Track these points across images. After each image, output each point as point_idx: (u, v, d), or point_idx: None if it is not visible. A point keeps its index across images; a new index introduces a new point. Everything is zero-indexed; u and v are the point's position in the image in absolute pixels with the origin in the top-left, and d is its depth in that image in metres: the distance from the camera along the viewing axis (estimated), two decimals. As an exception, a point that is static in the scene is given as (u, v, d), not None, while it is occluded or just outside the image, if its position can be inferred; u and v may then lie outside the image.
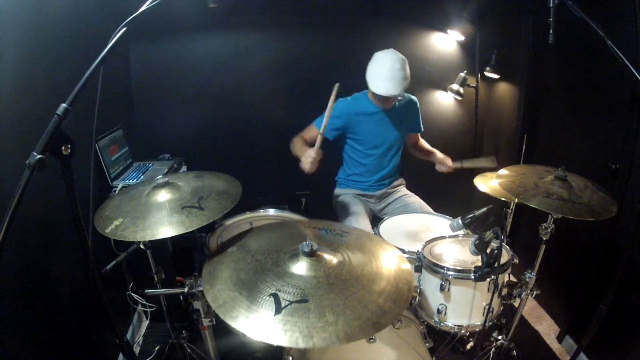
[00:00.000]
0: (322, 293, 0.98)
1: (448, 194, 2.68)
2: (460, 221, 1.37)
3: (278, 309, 0.92)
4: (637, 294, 1.63)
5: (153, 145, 2.59)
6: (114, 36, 0.91)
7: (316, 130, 1.99)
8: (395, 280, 1.09)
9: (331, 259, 1.11)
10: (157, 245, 1.50)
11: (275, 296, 0.96)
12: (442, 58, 2.74)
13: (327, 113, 1.73)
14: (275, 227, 1.38)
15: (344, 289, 1.01)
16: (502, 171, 1.64)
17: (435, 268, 1.41)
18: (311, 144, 1.84)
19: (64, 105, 0.80)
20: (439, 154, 2.17)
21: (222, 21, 2.53)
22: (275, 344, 0.87)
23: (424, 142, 2.30)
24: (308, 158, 1.75)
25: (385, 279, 1.09)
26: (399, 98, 2.07)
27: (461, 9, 2.51)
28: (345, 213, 2.08)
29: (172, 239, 1.83)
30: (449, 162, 2.12)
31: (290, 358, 1.27)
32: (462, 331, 1.44)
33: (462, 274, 1.37)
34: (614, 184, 1.72)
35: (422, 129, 2.25)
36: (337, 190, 2.26)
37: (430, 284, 1.45)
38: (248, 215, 1.89)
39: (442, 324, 1.44)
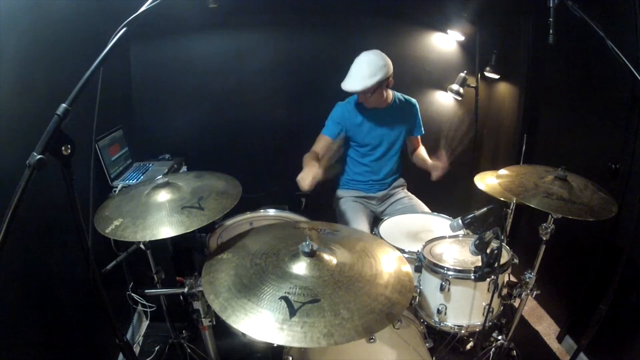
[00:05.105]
0: (331, 291, 0.99)
1: (448, 194, 2.68)
2: (460, 221, 1.37)
3: (292, 312, 0.92)
4: (637, 294, 1.63)
5: (153, 145, 2.59)
6: (114, 36, 0.91)
7: (325, 139, 2.00)
8: (395, 272, 1.12)
9: (331, 257, 1.11)
10: (157, 245, 1.50)
11: (286, 299, 0.96)
12: (442, 58, 2.74)
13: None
14: (267, 230, 1.37)
15: (350, 285, 1.03)
16: (502, 171, 1.64)
17: (435, 268, 1.41)
18: (323, 155, 1.86)
19: (64, 105, 0.80)
20: (430, 161, 2.08)
21: (222, 21, 2.53)
22: (297, 346, 0.86)
23: (423, 152, 2.24)
24: (309, 175, 1.67)
25: (387, 272, 1.11)
26: (394, 99, 2.08)
27: (461, 9, 2.51)
28: (345, 216, 2.08)
29: (172, 239, 1.83)
30: (440, 162, 2.01)
31: (290, 358, 1.27)
32: (462, 331, 1.44)
33: (462, 274, 1.37)
34: (614, 184, 1.72)
35: (423, 132, 2.24)
36: (339, 192, 2.26)
37: (430, 284, 1.45)
38: (248, 215, 1.89)
39: (442, 324, 1.44)
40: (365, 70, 1.86)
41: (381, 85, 1.90)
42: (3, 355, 1.18)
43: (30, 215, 1.32)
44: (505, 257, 1.43)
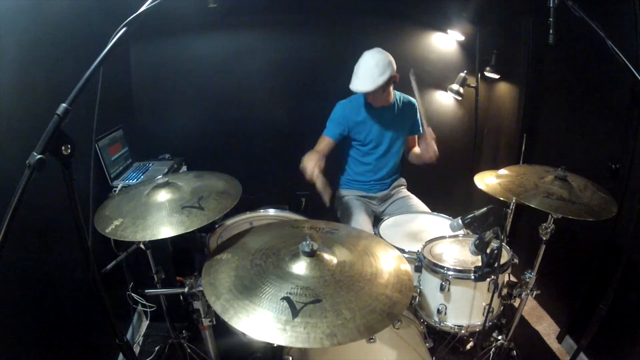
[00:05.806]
0: (333, 291, 0.99)
1: (448, 194, 2.68)
2: (460, 221, 1.37)
3: (295, 312, 0.92)
4: (637, 294, 1.63)
5: (153, 145, 2.59)
6: (114, 36, 0.90)
7: (327, 140, 2.00)
8: (395, 271, 1.12)
9: (331, 257, 1.11)
10: (157, 245, 1.50)
11: (288, 299, 0.95)
12: (442, 58, 2.74)
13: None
14: (266, 230, 1.36)
15: (351, 285, 1.03)
16: (502, 171, 1.64)
17: (435, 268, 1.41)
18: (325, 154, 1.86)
19: (64, 105, 0.80)
20: (422, 146, 2.12)
21: (222, 21, 2.53)
22: (301, 347, 0.86)
23: (417, 149, 2.27)
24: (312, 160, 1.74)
25: (387, 271, 1.11)
26: (396, 98, 2.08)
27: (461, 9, 2.51)
28: (347, 215, 2.08)
29: (172, 239, 1.84)
30: (429, 140, 2.04)
31: (290, 358, 1.27)
32: (462, 331, 1.44)
33: (462, 274, 1.37)
34: (614, 184, 1.72)
35: (422, 131, 2.25)
36: (340, 192, 2.26)
37: (430, 284, 1.45)
38: (248, 215, 1.89)
39: (442, 324, 1.44)
40: (374, 70, 1.86)
41: (389, 82, 1.91)
42: (3, 355, 1.18)
43: (30, 215, 1.32)
44: (505, 257, 1.43)
